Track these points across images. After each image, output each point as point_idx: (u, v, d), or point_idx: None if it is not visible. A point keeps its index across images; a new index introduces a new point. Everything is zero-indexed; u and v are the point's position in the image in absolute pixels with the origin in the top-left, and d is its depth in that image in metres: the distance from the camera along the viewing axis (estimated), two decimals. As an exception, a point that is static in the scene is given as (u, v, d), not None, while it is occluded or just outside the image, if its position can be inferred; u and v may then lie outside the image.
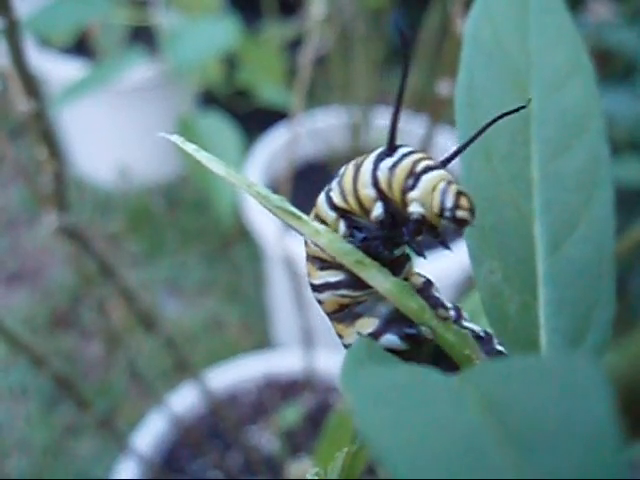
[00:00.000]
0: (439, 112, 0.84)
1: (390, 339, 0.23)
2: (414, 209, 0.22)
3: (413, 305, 0.23)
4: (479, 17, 0.29)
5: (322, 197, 0.25)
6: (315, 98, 1.78)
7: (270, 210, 0.23)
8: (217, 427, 1.17)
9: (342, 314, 0.25)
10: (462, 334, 0.22)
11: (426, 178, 0.22)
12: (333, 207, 0.24)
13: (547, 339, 0.25)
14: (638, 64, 1.76)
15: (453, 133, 1.57)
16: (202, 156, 0.24)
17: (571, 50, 0.30)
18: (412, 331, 0.23)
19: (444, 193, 0.21)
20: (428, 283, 0.24)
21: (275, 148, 1.51)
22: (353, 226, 0.24)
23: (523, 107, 0.23)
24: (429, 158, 0.22)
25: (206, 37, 1.24)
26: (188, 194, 1.91)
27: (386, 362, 0.21)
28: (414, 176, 0.22)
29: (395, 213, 0.23)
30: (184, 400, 1.15)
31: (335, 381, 1.19)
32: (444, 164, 0.23)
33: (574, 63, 0.29)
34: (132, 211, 1.86)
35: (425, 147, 0.93)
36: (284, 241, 1.09)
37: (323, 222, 0.25)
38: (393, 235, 0.23)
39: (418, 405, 0.14)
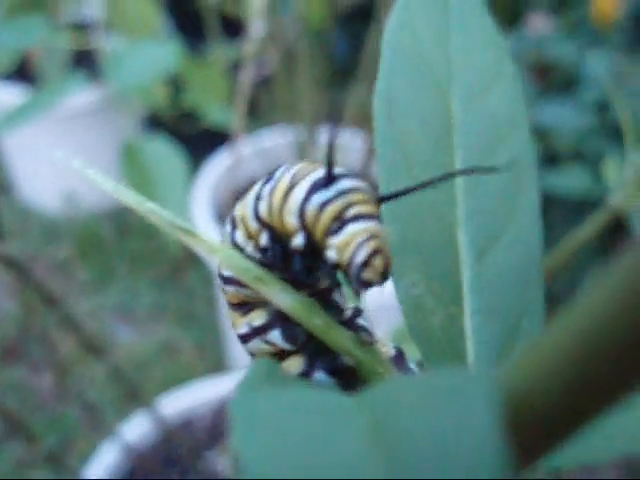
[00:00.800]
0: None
1: (321, 378, 0.22)
2: (330, 255, 0.21)
3: (318, 322, 0.22)
4: (398, 22, 0.28)
5: (251, 202, 0.23)
6: (261, 118, 1.77)
7: (168, 229, 0.23)
8: (172, 454, 1.14)
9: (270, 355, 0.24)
10: (374, 352, 0.21)
11: (351, 228, 0.21)
12: (257, 218, 0.23)
13: (474, 351, 0.24)
14: (578, 76, 1.80)
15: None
16: (111, 186, 0.23)
17: (494, 55, 0.29)
18: (338, 363, 0.22)
19: (358, 248, 0.20)
20: (356, 311, 0.23)
21: (221, 170, 1.50)
22: (275, 240, 0.23)
23: (469, 171, 0.22)
24: (364, 202, 0.21)
25: (149, 60, 1.23)
26: (136, 219, 1.88)
27: (286, 384, 0.20)
28: (340, 221, 0.21)
29: (315, 246, 0.22)
30: (137, 429, 1.13)
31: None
32: (380, 202, 0.22)
33: (497, 68, 0.29)
34: (80, 238, 1.83)
35: (367, 163, 0.93)
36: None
37: (244, 224, 0.23)
38: (313, 265, 0.22)
39: (301, 429, 0.13)
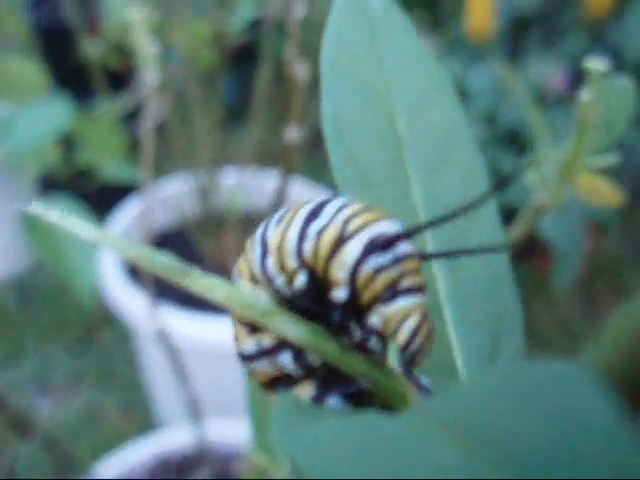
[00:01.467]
0: (291, 162, 0.84)
1: (335, 404, 0.21)
2: (374, 320, 0.21)
3: (331, 348, 0.21)
4: (333, 44, 0.28)
5: (294, 237, 0.21)
6: (159, 167, 1.75)
7: (155, 270, 0.21)
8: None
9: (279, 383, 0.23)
10: (392, 372, 0.21)
11: (403, 303, 0.20)
12: (299, 257, 0.21)
13: (463, 359, 0.24)
14: (464, 89, 1.86)
15: (306, 183, 1.59)
16: (64, 225, 0.22)
17: (429, 69, 0.30)
18: (353, 387, 0.21)
19: (413, 333, 0.20)
20: (366, 334, 0.22)
21: (127, 224, 1.47)
22: (312, 282, 0.21)
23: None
24: (416, 272, 0.21)
25: (38, 120, 1.20)
26: (41, 285, 1.82)
27: (319, 416, 0.19)
28: (392, 290, 0.20)
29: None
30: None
31: (231, 449, 1.15)
32: (429, 258, 0.21)
33: (435, 82, 0.29)
34: (-18, 313, 1.75)
35: (280, 200, 0.93)
36: (154, 315, 1.05)
37: (280, 256, 0.22)
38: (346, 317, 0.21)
39: (377, 446, 0.13)
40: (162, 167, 1.75)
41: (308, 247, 0.21)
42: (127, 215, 1.48)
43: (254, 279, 0.23)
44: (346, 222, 0.21)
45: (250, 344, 0.23)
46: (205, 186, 1.56)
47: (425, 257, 0.21)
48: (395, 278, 0.20)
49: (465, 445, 0.12)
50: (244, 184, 1.64)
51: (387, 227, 0.21)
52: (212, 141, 1.58)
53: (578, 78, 1.77)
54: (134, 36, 0.70)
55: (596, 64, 0.42)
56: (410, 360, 0.21)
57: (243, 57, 1.87)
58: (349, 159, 0.26)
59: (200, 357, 1.20)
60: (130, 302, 1.24)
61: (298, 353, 0.22)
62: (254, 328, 0.22)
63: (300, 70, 0.69)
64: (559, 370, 0.13)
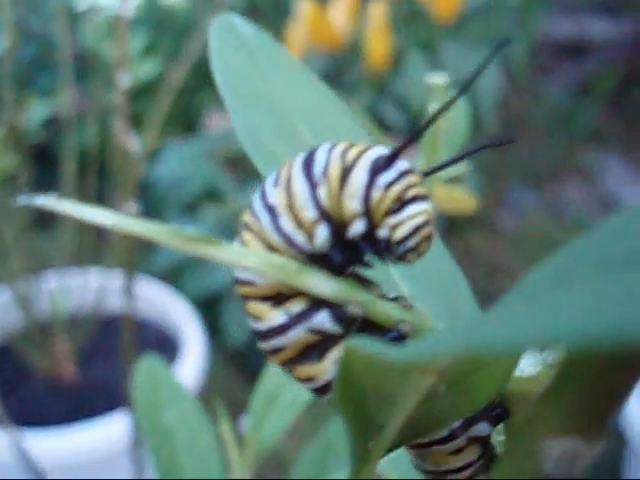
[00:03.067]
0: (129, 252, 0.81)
1: (322, 318, 0.22)
2: (382, 233, 0.21)
3: (362, 299, 0.21)
4: (221, 68, 0.30)
5: (304, 189, 0.22)
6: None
7: (182, 245, 0.20)
8: None
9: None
10: (419, 313, 0.22)
11: (412, 209, 0.21)
12: (318, 206, 0.22)
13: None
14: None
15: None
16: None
17: (311, 80, 0.32)
18: (342, 311, 0.22)
19: (414, 232, 0.21)
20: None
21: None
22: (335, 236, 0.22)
23: (512, 141, 0.23)
24: (420, 183, 0.22)
25: None
26: None
27: None
28: (400, 202, 0.21)
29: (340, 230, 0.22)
30: None
31: None
32: (427, 174, 0.22)
33: (321, 91, 0.32)
34: None
35: (128, 297, 0.89)
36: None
37: (294, 212, 0.22)
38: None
39: None
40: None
41: (323, 191, 0.22)
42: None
43: (269, 247, 0.22)
44: (343, 156, 0.22)
45: (278, 316, 0.22)
46: (24, 294, 1.47)
47: (425, 173, 0.23)
48: (402, 190, 0.21)
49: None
50: (65, 286, 1.57)
51: (380, 151, 0.22)
52: (23, 247, 1.50)
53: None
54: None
55: (437, 79, 0.45)
56: (402, 256, 0.22)
57: (42, 157, 1.81)
58: (272, 159, 0.27)
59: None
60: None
61: (335, 309, 0.22)
62: (277, 301, 0.22)
63: (131, 143, 0.68)
64: None
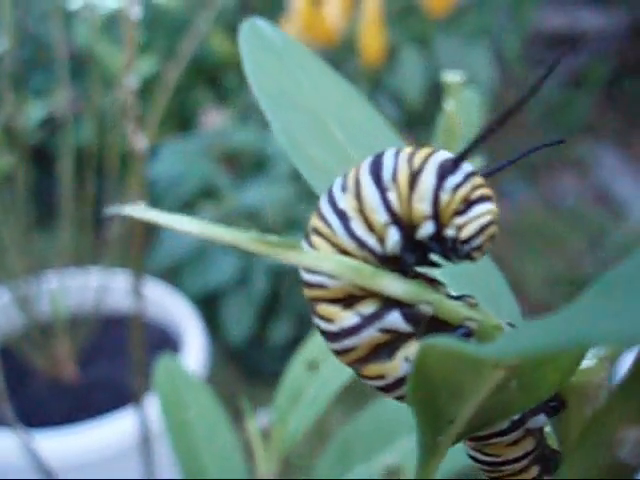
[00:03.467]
0: (138, 246, 0.82)
1: (394, 317, 0.22)
2: (449, 233, 0.22)
3: (432, 298, 0.22)
4: (253, 72, 0.30)
5: (374, 194, 0.23)
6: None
7: (264, 249, 0.21)
8: None
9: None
10: (483, 310, 0.22)
11: (478, 209, 0.22)
12: (389, 210, 0.22)
13: None
14: (263, 156, 1.91)
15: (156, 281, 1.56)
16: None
17: (334, 79, 0.33)
18: (413, 311, 0.22)
19: (481, 230, 0.22)
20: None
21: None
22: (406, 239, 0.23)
23: (561, 141, 0.24)
24: (484, 184, 0.23)
25: None
26: None
27: None
28: (467, 203, 0.22)
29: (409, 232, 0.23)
30: None
31: None
32: (487, 176, 0.23)
33: (344, 89, 0.32)
34: None
35: (136, 297, 0.88)
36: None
37: (364, 216, 0.23)
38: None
39: None
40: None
41: (393, 196, 0.22)
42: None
43: (341, 250, 0.23)
44: (410, 161, 0.22)
45: (350, 318, 0.23)
46: (24, 295, 1.47)
47: (485, 175, 0.23)
48: (469, 192, 0.22)
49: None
50: (65, 286, 1.57)
51: (445, 155, 0.23)
52: (22, 247, 1.50)
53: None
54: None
55: (453, 77, 0.46)
56: (467, 254, 0.22)
57: (39, 156, 1.80)
58: (307, 159, 0.28)
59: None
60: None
61: (406, 309, 0.22)
62: (348, 302, 0.23)
63: (138, 142, 0.68)
64: None
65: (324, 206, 0.23)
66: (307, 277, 0.23)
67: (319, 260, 0.22)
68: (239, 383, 1.90)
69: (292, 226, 1.81)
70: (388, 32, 2.10)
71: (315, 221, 0.24)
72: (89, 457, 1.17)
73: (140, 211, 0.21)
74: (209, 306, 1.80)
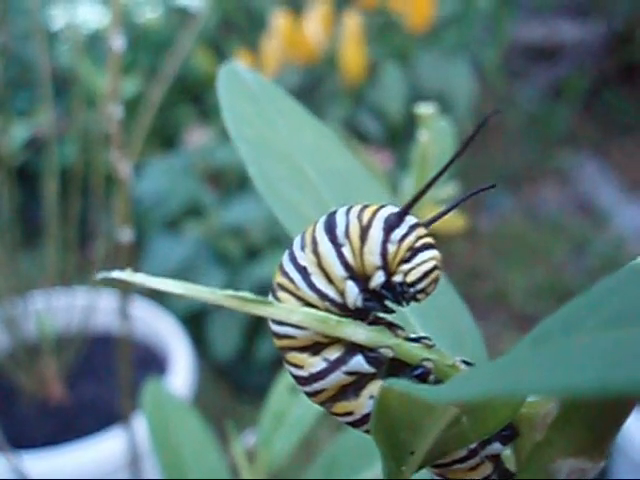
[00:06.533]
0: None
1: (358, 361, 0.24)
2: (397, 279, 0.24)
3: (391, 342, 0.24)
4: (231, 117, 0.32)
5: (330, 250, 0.25)
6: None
7: (238, 306, 0.23)
8: None
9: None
10: (439, 351, 0.24)
11: (421, 256, 0.24)
12: (345, 265, 0.24)
13: None
14: (247, 175, 1.92)
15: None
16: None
17: (311, 123, 0.34)
18: (374, 354, 0.24)
19: (425, 276, 0.24)
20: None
21: None
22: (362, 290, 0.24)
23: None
24: (427, 233, 0.25)
25: None
26: None
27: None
28: (412, 250, 0.24)
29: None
30: None
31: None
32: (429, 224, 0.25)
33: (321, 132, 0.34)
34: None
35: (123, 319, 0.89)
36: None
37: (324, 270, 0.25)
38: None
39: None
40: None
41: (348, 251, 0.25)
42: None
43: (304, 303, 0.25)
44: (359, 217, 0.25)
45: (318, 363, 0.25)
46: (10, 316, 1.47)
47: (427, 224, 0.25)
48: (414, 241, 0.24)
49: None
50: (52, 307, 1.57)
51: (390, 209, 0.25)
52: (8, 268, 1.50)
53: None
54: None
55: (426, 109, 0.47)
56: (413, 296, 0.25)
57: (22, 176, 1.81)
58: (282, 201, 0.29)
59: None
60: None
61: (368, 353, 0.24)
62: (314, 350, 0.25)
63: (123, 169, 0.69)
64: None
65: (287, 264, 0.25)
66: (276, 328, 0.25)
67: (289, 313, 0.24)
68: (226, 399, 1.91)
69: (276, 243, 1.82)
70: (369, 48, 2.12)
71: (279, 278, 0.26)
72: (77, 478, 1.18)
73: (128, 276, 0.22)
74: (196, 323, 1.81)
